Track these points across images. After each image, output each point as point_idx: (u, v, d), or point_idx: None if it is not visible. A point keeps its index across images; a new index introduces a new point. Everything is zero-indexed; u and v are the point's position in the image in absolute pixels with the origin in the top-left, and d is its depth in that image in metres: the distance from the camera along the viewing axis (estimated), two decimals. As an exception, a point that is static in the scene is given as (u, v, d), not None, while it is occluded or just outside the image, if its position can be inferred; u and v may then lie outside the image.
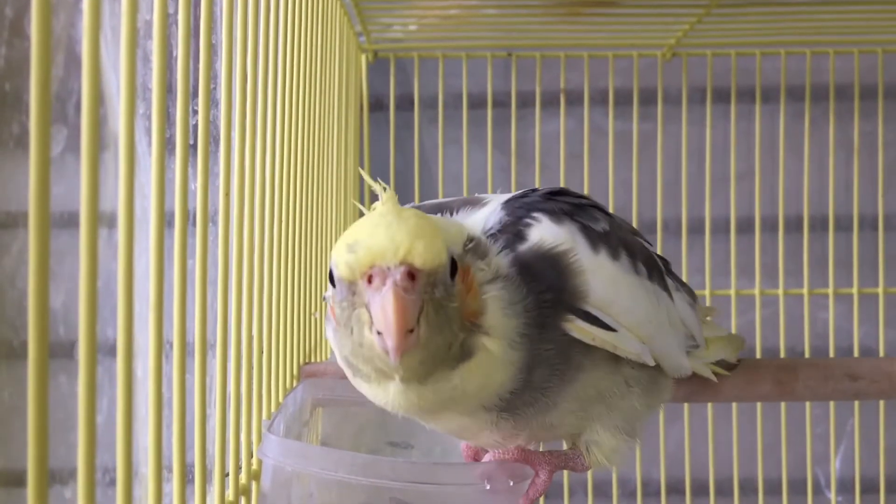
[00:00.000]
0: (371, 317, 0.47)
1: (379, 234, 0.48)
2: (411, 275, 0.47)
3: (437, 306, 0.48)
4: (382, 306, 0.46)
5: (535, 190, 0.61)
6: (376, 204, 0.51)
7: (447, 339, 0.49)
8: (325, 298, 0.55)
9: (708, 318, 0.74)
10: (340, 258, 0.48)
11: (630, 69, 1.30)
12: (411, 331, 0.47)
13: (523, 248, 0.55)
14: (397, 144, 1.30)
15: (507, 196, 0.60)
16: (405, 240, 0.47)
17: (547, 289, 0.54)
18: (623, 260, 0.58)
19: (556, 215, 0.57)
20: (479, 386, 0.52)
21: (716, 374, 0.69)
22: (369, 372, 0.51)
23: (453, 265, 0.50)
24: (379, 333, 0.47)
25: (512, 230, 0.56)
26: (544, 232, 0.56)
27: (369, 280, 0.47)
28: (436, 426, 0.58)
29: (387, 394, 0.52)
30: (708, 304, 1.29)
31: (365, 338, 0.48)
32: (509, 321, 0.52)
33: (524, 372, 0.53)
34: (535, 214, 0.57)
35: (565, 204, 0.59)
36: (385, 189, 0.51)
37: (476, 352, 0.51)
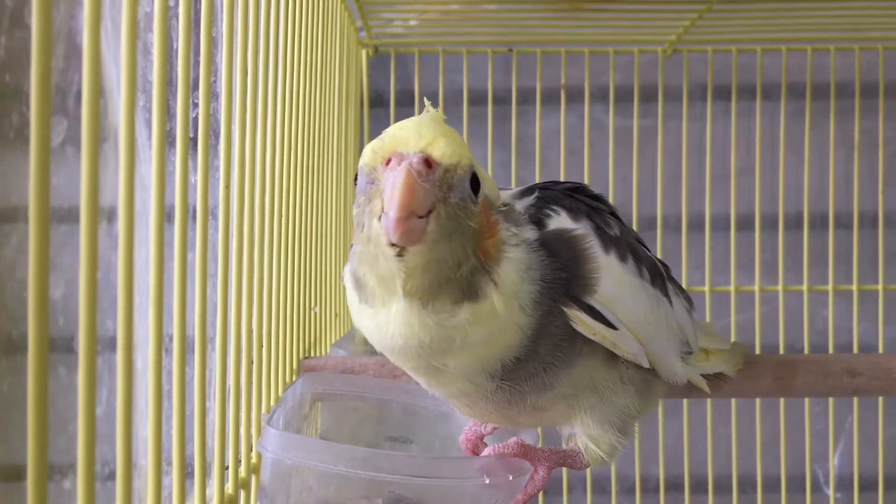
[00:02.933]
0: (383, 203, 0.48)
1: (408, 126, 0.50)
2: (428, 163, 0.48)
3: (450, 212, 0.49)
4: (393, 183, 0.47)
5: (556, 182, 0.62)
6: None
7: (457, 253, 0.50)
8: (351, 247, 0.56)
9: (711, 331, 0.74)
10: (368, 146, 0.50)
11: (631, 65, 1.30)
12: (420, 218, 0.47)
13: (545, 230, 0.56)
14: (397, 140, 1.29)
15: (530, 185, 0.62)
16: (429, 133, 0.49)
17: (563, 267, 0.55)
18: (630, 263, 0.60)
19: (575, 212, 0.58)
20: (483, 338, 0.52)
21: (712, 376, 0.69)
22: (374, 286, 0.51)
23: (475, 184, 0.50)
24: (388, 216, 0.47)
25: (533, 217, 0.57)
26: (562, 225, 0.57)
27: (388, 164, 0.48)
28: (436, 388, 0.58)
29: (388, 317, 0.52)
30: (707, 300, 1.29)
31: (373, 229, 0.49)
32: (524, 285, 0.53)
33: (532, 340, 0.54)
34: (555, 207, 0.58)
35: (583, 203, 0.60)
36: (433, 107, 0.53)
37: (483, 297, 0.51)
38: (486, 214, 0.52)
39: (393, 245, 0.48)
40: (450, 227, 0.49)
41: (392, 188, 0.47)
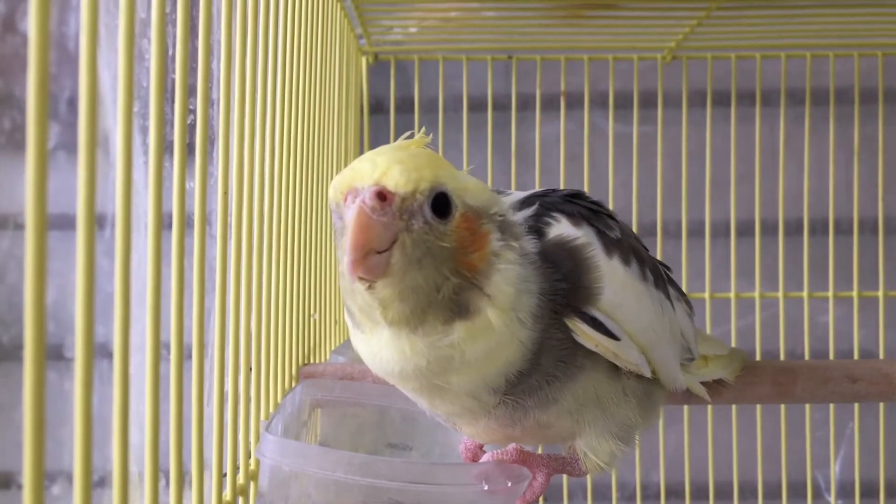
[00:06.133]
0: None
1: (366, 157, 0.49)
2: (382, 195, 0.47)
3: (416, 239, 0.48)
4: (348, 222, 0.47)
5: (554, 190, 0.62)
6: None
7: (432, 277, 0.49)
8: None
9: (708, 337, 0.74)
10: (332, 182, 0.50)
11: (630, 72, 1.30)
12: (379, 253, 0.47)
13: (545, 240, 0.55)
14: (397, 146, 1.29)
15: (527, 192, 0.61)
16: (384, 163, 0.48)
17: (563, 278, 0.54)
18: (633, 266, 0.59)
19: (575, 218, 0.58)
20: (481, 354, 0.51)
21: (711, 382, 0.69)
22: (359, 315, 0.51)
23: (444, 204, 0.49)
24: (346, 256, 0.47)
25: (532, 228, 0.56)
26: (563, 231, 0.56)
27: (346, 201, 0.48)
28: (439, 407, 0.57)
29: (380, 344, 0.51)
30: (707, 306, 1.29)
31: (343, 264, 0.48)
32: (522, 298, 0.52)
33: (534, 353, 0.53)
34: (555, 214, 0.57)
35: (583, 208, 0.59)
36: (411, 136, 0.52)
37: (476, 313, 0.50)
38: (472, 225, 0.51)
39: (362, 279, 0.48)
40: (417, 254, 0.48)
41: (349, 228, 0.47)
